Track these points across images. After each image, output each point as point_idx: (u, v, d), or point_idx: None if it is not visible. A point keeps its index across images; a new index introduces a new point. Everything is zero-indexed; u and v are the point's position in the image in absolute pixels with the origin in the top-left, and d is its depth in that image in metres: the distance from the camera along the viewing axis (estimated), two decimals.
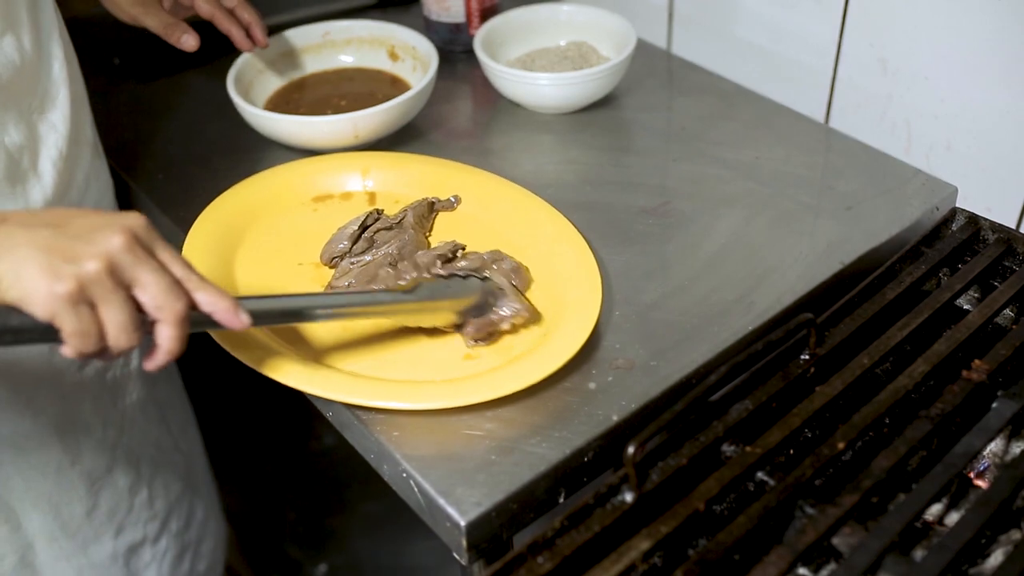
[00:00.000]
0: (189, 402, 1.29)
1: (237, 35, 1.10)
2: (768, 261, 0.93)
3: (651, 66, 1.25)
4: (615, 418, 0.78)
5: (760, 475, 0.70)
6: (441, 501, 0.72)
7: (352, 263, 0.90)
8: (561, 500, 0.77)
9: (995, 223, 0.89)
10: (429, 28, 1.28)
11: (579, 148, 1.11)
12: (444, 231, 0.97)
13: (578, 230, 0.93)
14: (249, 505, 1.79)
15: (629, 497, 0.67)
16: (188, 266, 0.69)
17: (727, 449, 0.72)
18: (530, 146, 1.12)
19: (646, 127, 1.14)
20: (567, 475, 0.76)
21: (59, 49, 0.91)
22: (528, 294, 0.88)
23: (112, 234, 0.65)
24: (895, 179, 1.03)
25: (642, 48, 1.19)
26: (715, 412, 0.73)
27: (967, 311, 0.83)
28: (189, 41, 1.07)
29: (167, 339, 0.67)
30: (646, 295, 0.90)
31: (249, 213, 0.98)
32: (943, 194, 1.01)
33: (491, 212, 0.98)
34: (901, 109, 1.07)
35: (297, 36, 1.20)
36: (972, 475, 0.76)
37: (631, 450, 0.65)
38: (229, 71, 1.11)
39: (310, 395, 0.80)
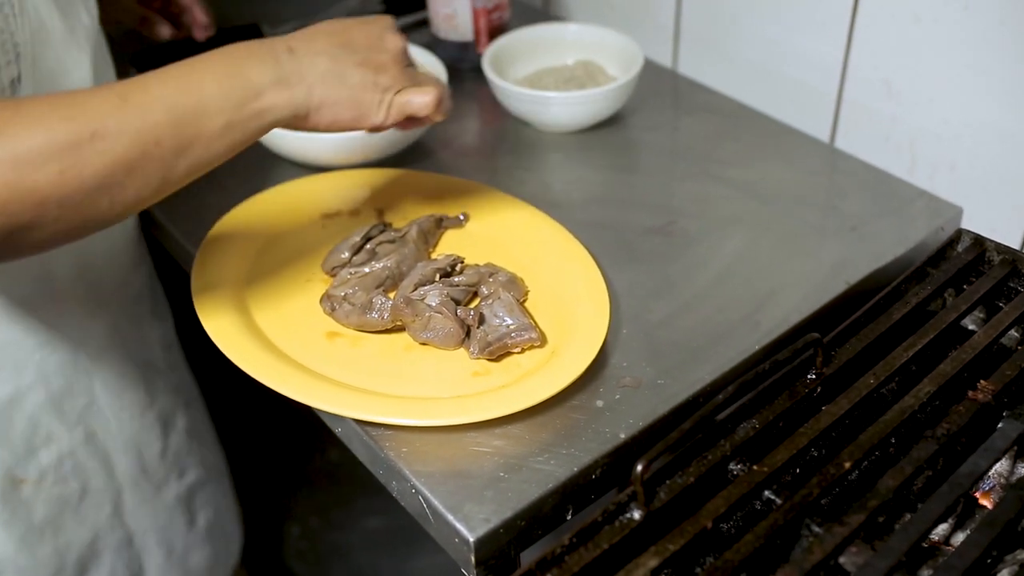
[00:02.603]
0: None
1: (199, 15, 1.17)
2: (774, 281, 0.93)
3: (657, 85, 1.26)
4: (622, 436, 0.78)
5: (767, 494, 0.71)
6: (450, 517, 0.73)
7: (351, 273, 0.91)
8: (568, 517, 0.78)
9: (1000, 244, 0.89)
10: (437, 46, 1.29)
11: (586, 167, 1.11)
12: (451, 248, 0.98)
13: (586, 248, 0.94)
14: (253, 520, 1.79)
15: (637, 515, 0.67)
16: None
17: (734, 468, 0.73)
18: (537, 164, 1.12)
19: (652, 146, 1.15)
20: (575, 492, 0.77)
21: (110, 70, 0.97)
22: (536, 313, 0.89)
23: (391, 36, 0.81)
24: (900, 199, 1.04)
25: (648, 67, 1.20)
26: (722, 431, 0.74)
27: (972, 331, 0.84)
28: (164, 31, 1.15)
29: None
30: (653, 314, 0.90)
31: (259, 229, 0.98)
32: (948, 215, 1.01)
33: (499, 230, 0.99)
34: (906, 130, 1.07)
35: None
36: (978, 495, 0.76)
37: (639, 468, 0.66)
38: None
39: (320, 411, 0.81)
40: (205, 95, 0.70)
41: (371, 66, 0.78)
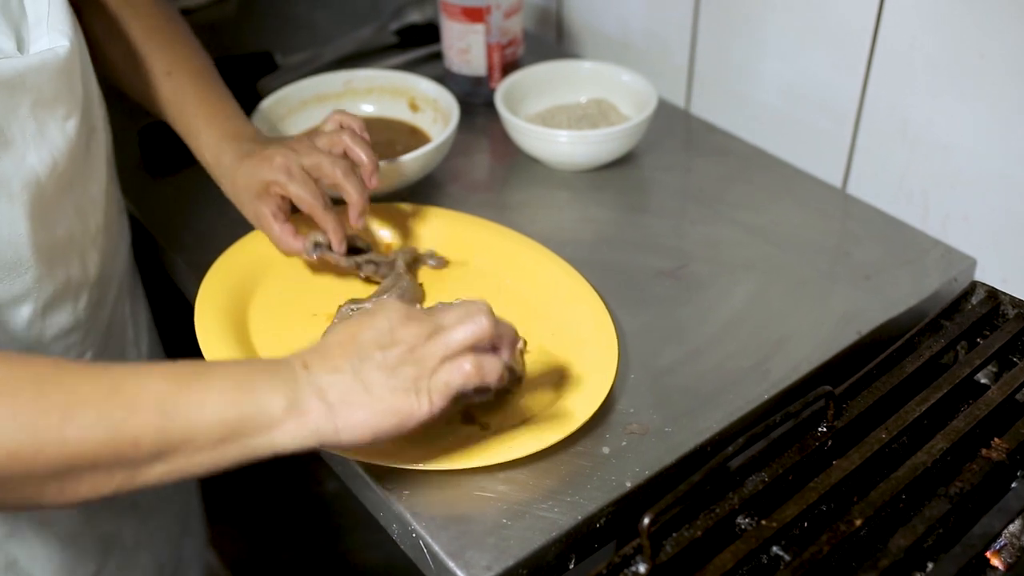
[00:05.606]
0: None
1: (351, 215, 0.95)
2: (785, 328, 0.92)
3: (669, 125, 1.25)
4: (628, 485, 0.77)
5: (775, 549, 0.70)
6: (451, 564, 0.72)
7: (352, 310, 0.90)
8: (571, 566, 0.77)
9: (1015, 298, 0.88)
10: (449, 79, 1.28)
11: (597, 206, 1.11)
12: (459, 287, 0.97)
13: (595, 290, 0.93)
14: (246, 550, 1.77)
15: (643, 568, 0.66)
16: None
17: (742, 522, 0.72)
18: (548, 202, 1.12)
19: (664, 187, 1.15)
20: (578, 541, 0.75)
21: (101, 116, 0.91)
22: (543, 355, 0.88)
23: (401, 327, 0.69)
24: (914, 249, 1.03)
25: (661, 107, 1.20)
26: (731, 484, 0.73)
27: (986, 386, 0.83)
28: (310, 256, 0.96)
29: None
30: (661, 359, 0.89)
31: (264, 261, 0.98)
32: (962, 266, 1.00)
33: (507, 268, 0.98)
34: (919, 178, 1.07)
35: (319, 84, 1.20)
36: (989, 554, 0.74)
37: (646, 521, 0.64)
38: (250, 118, 1.11)
39: (321, 450, 0.79)
40: (206, 403, 0.63)
41: (390, 367, 0.67)
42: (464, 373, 0.68)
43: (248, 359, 0.67)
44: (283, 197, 0.94)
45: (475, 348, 0.69)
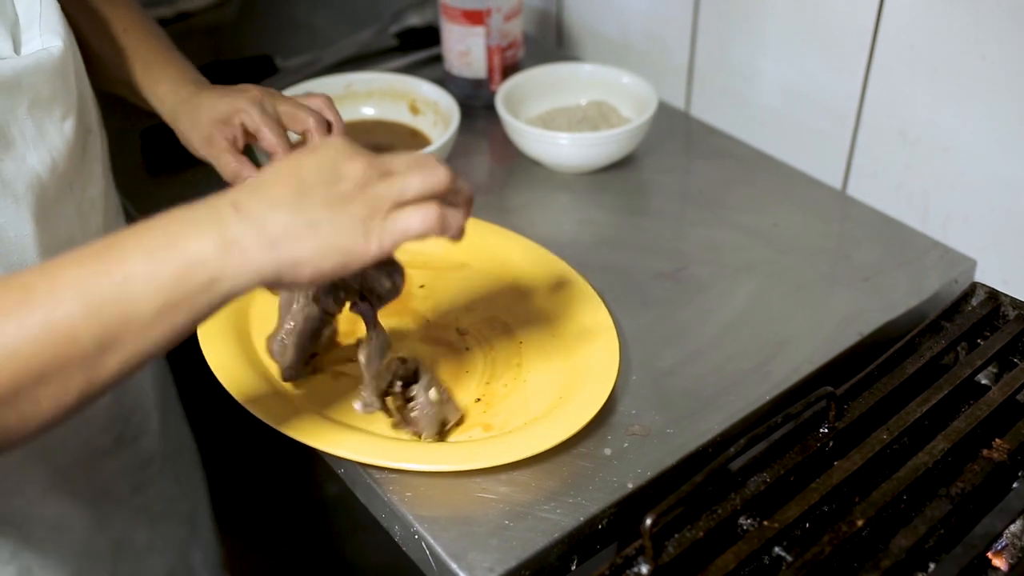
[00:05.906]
0: (196, 447, 1.29)
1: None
2: (785, 330, 0.92)
3: (670, 128, 1.25)
4: (630, 486, 0.77)
5: (777, 550, 0.70)
6: (453, 565, 0.72)
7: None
8: (573, 567, 0.77)
9: (1016, 299, 0.88)
10: (450, 82, 1.29)
11: (597, 208, 1.11)
12: (459, 292, 0.96)
13: (596, 292, 0.93)
14: (247, 555, 1.77)
15: (645, 569, 0.66)
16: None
17: (744, 522, 0.72)
18: (548, 205, 1.12)
19: (664, 189, 1.15)
20: (580, 542, 0.76)
21: (95, 119, 0.90)
22: (544, 357, 0.88)
23: (346, 162, 0.63)
24: (913, 250, 1.03)
25: (661, 109, 1.20)
26: (732, 484, 0.73)
27: (986, 387, 0.83)
28: None
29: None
30: (662, 360, 0.89)
31: None
32: (962, 267, 1.01)
33: (507, 271, 0.98)
34: (919, 179, 1.07)
35: (319, 87, 1.20)
36: (990, 555, 0.75)
37: (649, 522, 0.64)
38: None
39: (322, 452, 0.80)
40: (131, 275, 0.57)
41: (337, 202, 0.62)
42: (427, 220, 0.63)
43: (165, 213, 0.60)
44: (244, 131, 0.91)
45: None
